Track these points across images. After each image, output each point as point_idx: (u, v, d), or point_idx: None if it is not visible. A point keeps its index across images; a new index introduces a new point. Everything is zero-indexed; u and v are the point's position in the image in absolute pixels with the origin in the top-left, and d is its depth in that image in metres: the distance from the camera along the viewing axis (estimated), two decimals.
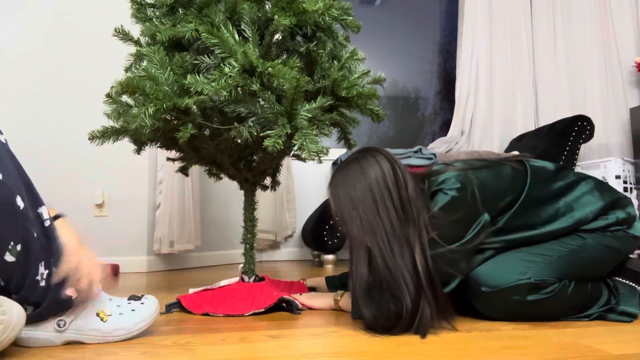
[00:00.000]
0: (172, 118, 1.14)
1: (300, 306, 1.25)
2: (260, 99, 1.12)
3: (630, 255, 1.18)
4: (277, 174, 1.60)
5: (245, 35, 1.16)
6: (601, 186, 1.14)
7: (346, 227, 1.05)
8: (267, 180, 1.56)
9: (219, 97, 1.05)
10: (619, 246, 1.09)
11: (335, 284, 1.48)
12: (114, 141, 1.32)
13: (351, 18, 1.22)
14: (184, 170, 1.63)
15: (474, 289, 1.06)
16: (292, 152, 1.39)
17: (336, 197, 1.07)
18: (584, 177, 1.17)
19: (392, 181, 1.04)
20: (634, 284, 1.15)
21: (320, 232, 2.40)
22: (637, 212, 2.59)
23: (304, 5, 1.12)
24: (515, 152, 2.85)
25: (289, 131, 1.07)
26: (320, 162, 1.24)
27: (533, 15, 3.49)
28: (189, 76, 1.08)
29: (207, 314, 1.22)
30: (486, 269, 1.06)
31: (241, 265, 1.48)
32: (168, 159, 1.61)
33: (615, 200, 1.12)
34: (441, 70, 3.76)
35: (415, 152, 2.75)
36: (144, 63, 1.17)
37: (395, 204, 1.02)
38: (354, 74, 1.24)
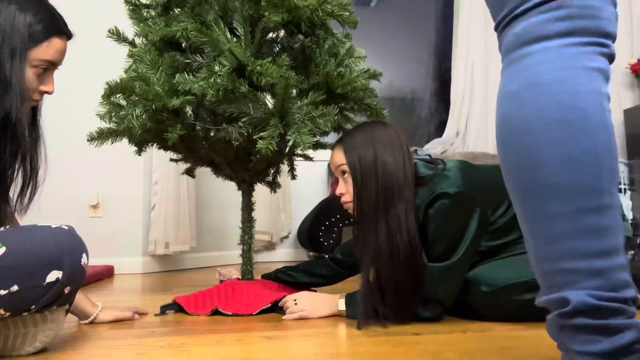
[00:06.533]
0: (165, 118, 1.14)
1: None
2: (250, 100, 1.11)
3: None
4: (278, 176, 1.59)
5: (238, 33, 1.15)
6: None
7: (364, 186, 1.06)
8: (269, 178, 1.55)
9: (209, 97, 1.05)
10: None
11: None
12: (112, 142, 1.31)
13: (347, 14, 1.20)
14: (190, 172, 1.62)
15: (472, 290, 1.07)
16: (295, 152, 1.39)
17: (357, 154, 1.07)
18: None
19: (406, 151, 1.08)
20: None
21: (316, 232, 2.39)
22: (631, 213, 2.60)
23: (295, 1, 1.11)
24: None
25: (282, 131, 1.06)
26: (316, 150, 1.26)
27: None
28: (177, 75, 1.07)
29: (216, 312, 1.22)
30: (484, 269, 1.08)
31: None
32: (171, 159, 1.60)
33: None
34: (437, 72, 3.77)
35: None
36: (137, 64, 1.16)
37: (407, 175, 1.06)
38: (353, 72, 1.22)
